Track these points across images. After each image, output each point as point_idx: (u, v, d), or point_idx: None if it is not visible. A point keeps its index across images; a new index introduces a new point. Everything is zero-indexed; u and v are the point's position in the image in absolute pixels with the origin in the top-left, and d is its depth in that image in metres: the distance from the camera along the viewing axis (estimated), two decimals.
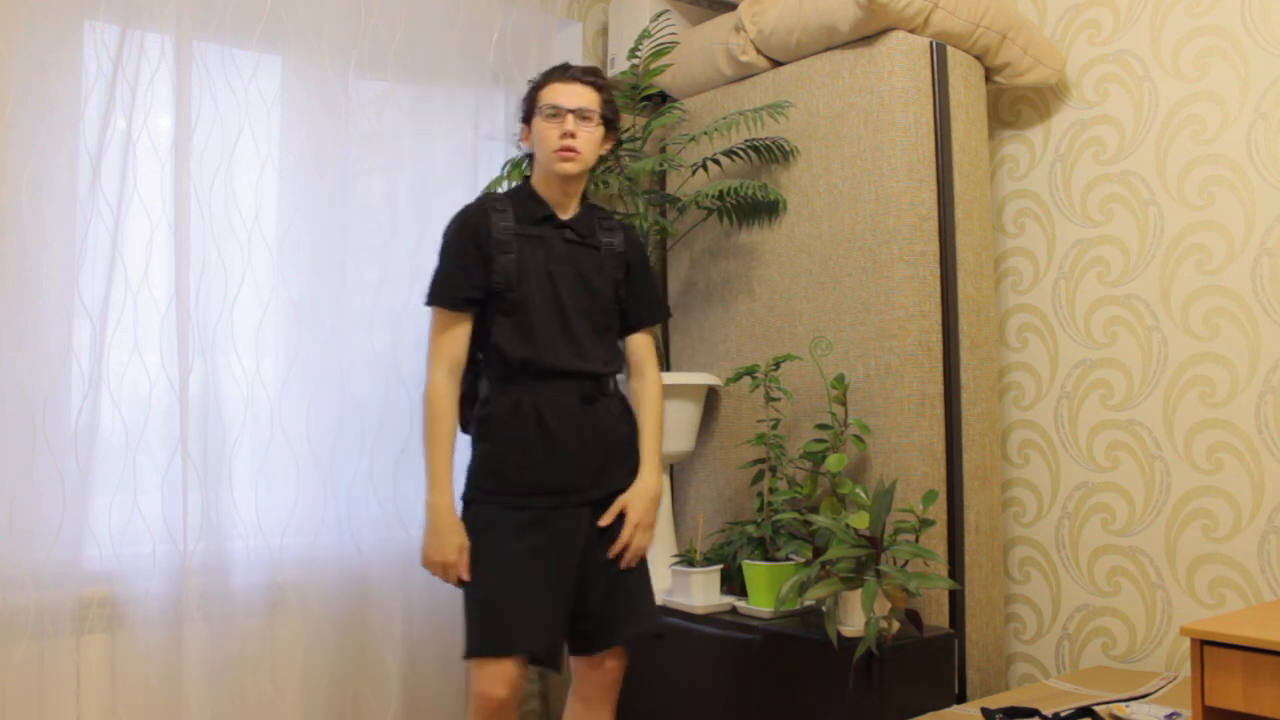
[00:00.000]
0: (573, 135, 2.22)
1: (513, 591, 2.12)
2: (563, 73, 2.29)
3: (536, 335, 2.20)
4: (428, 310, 2.27)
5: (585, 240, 2.29)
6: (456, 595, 2.25)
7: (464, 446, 2.26)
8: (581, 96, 2.26)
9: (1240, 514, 2.48)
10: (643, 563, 2.25)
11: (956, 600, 2.52)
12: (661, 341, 3.12)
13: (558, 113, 2.23)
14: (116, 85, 2.46)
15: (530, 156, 2.34)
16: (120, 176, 2.47)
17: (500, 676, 2.08)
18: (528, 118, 2.31)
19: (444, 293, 2.22)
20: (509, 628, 2.10)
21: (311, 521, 2.68)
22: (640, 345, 2.37)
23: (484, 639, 2.11)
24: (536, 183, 2.30)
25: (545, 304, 2.21)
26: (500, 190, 2.34)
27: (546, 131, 2.24)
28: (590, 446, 2.21)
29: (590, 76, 2.29)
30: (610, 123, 2.30)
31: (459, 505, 2.21)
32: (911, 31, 2.61)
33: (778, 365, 2.67)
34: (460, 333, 2.22)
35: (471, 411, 2.27)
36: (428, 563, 2.19)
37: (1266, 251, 2.46)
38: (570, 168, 2.24)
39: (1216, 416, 2.52)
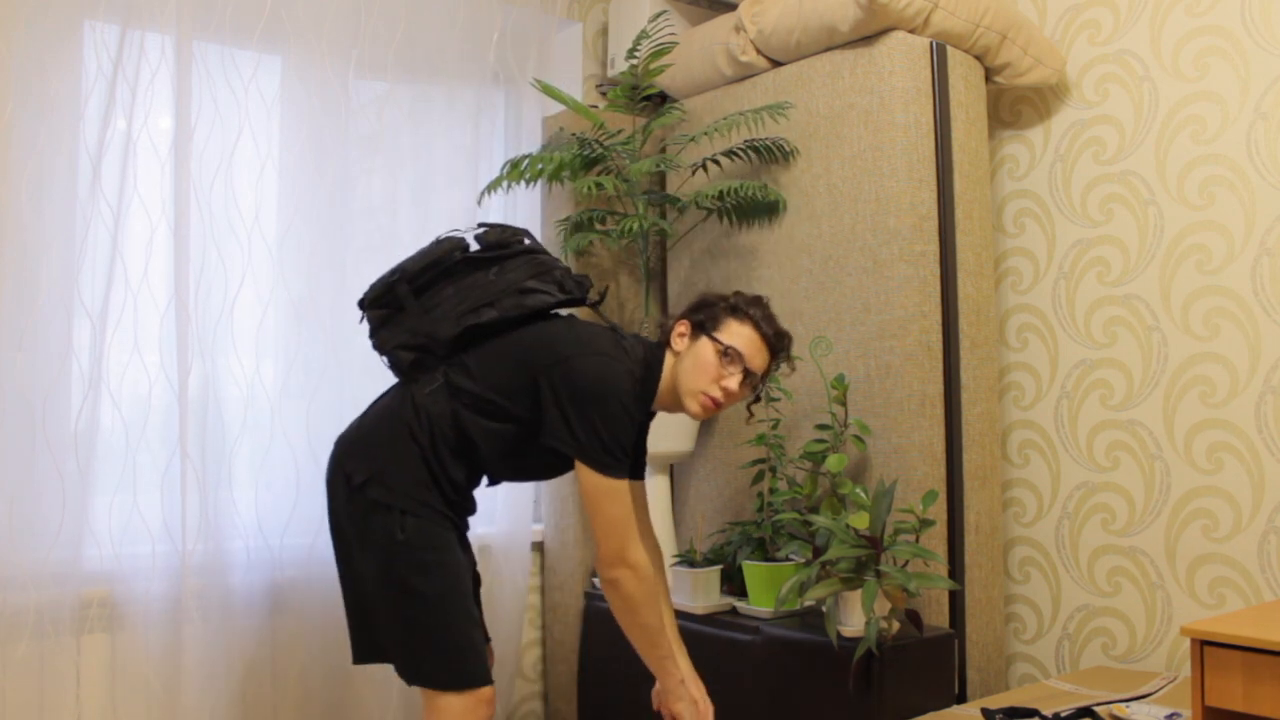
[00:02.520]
0: (729, 395, 2.09)
1: (472, 615, 2.06)
2: (767, 326, 2.13)
3: (516, 470, 2.15)
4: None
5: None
6: None
7: None
8: (764, 364, 2.14)
9: (1240, 514, 2.48)
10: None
11: (956, 600, 2.52)
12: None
13: (735, 361, 2.08)
14: (116, 85, 2.46)
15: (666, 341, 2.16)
16: (120, 176, 2.47)
17: (486, 702, 2.02)
18: (701, 325, 2.11)
19: (624, 464, 2.01)
20: (480, 653, 2.04)
21: (311, 521, 2.68)
22: (644, 495, 2.28)
23: (466, 667, 2.00)
24: (661, 382, 2.13)
25: (550, 463, 2.14)
26: (634, 354, 2.12)
27: (710, 368, 2.08)
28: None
29: (782, 345, 2.16)
30: (759, 388, 2.18)
31: (368, 508, 2.01)
32: (911, 32, 2.61)
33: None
34: None
35: (427, 424, 2.05)
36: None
37: (1266, 251, 2.46)
38: (701, 417, 2.14)
39: (1216, 416, 2.52)
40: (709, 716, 2.15)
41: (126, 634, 2.46)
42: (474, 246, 2.17)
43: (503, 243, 2.16)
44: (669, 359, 2.14)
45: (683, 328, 2.14)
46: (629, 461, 2.03)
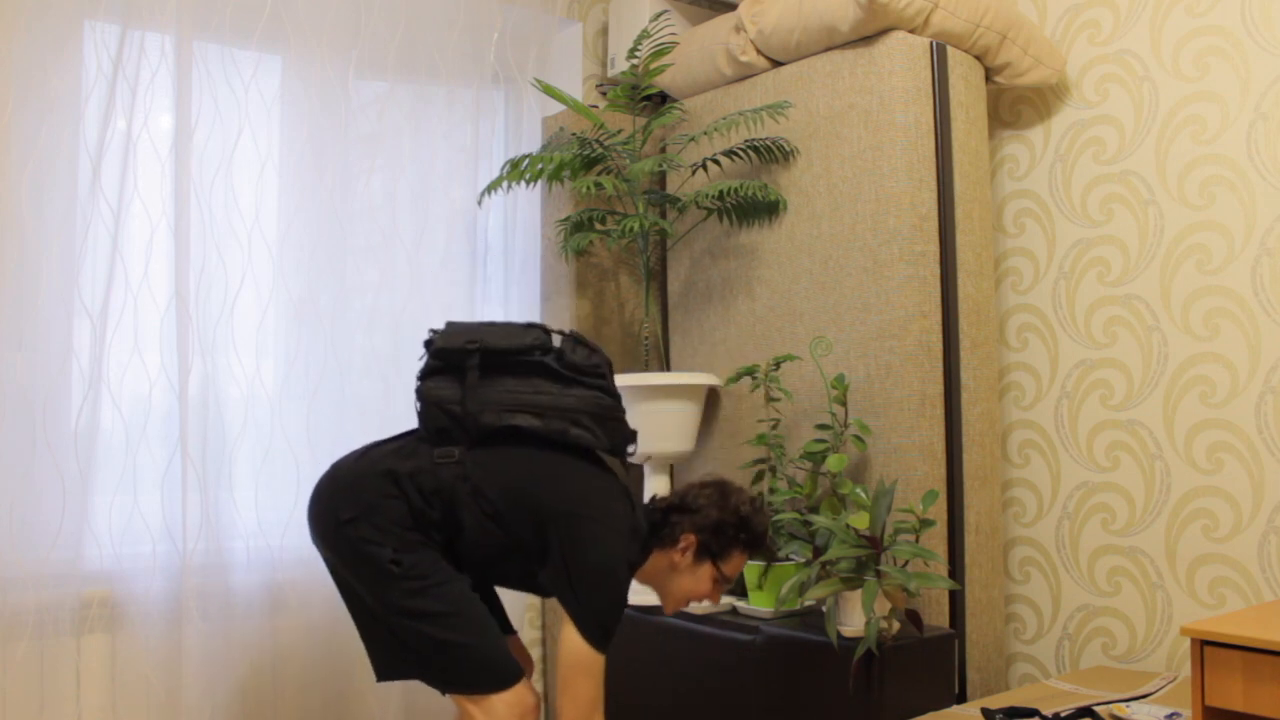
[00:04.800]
0: (705, 600, 2.20)
1: (487, 618, 2.05)
2: (761, 549, 2.21)
3: (480, 567, 2.11)
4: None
5: None
6: None
7: None
8: None
9: (1240, 514, 2.48)
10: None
11: (956, 600, 2.52)
12: (662, 341, 3.12)
13: (727, 585, 2.18)
14: (116, 85, 2.47)
15: (669, 539, 2.15)
16: (120, 176, 2.47)
17: (529, 695, 2.03)
18: (708, 548, 2.12)
19: (609, 644, 2.00)
20: (507, 652, 2.04)
21: None
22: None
23: (499, 669, 2.00)
24: (646, 564, 2.16)
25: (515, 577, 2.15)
26: (640, 532, 2.13)
27: (705, 589, 2.15)
28: None
29: None
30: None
31: (356, 542, 1.99)
32: (912, 32, 2.61)
33: (778, 365, 2.67)
34: None
35: (423, 489, 2.03)
36: None
37: (1266, 251, 2.46)
38: (670, 612, 2.22)
39: (1216, 416, 2.52)
40: None
41: (126, 634, 2.46)
42: (555, 344, 2.14)
43: (581, 369, 2.13)
44: (662, 557, 2.15)
45: (688, 542, 2.13)
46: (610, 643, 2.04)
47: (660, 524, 2.16)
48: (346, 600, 2.08)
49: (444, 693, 2.04)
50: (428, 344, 2.15)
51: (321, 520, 2.06)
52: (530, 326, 2.14)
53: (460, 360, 2.09)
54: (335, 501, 2.04)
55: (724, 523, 2.13)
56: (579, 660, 1.97)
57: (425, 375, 2.12)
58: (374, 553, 1.99)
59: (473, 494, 2.03)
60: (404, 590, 1.98)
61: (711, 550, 2.12)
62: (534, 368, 2.11)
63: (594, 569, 1.99)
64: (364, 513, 2.01)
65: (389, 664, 2.05)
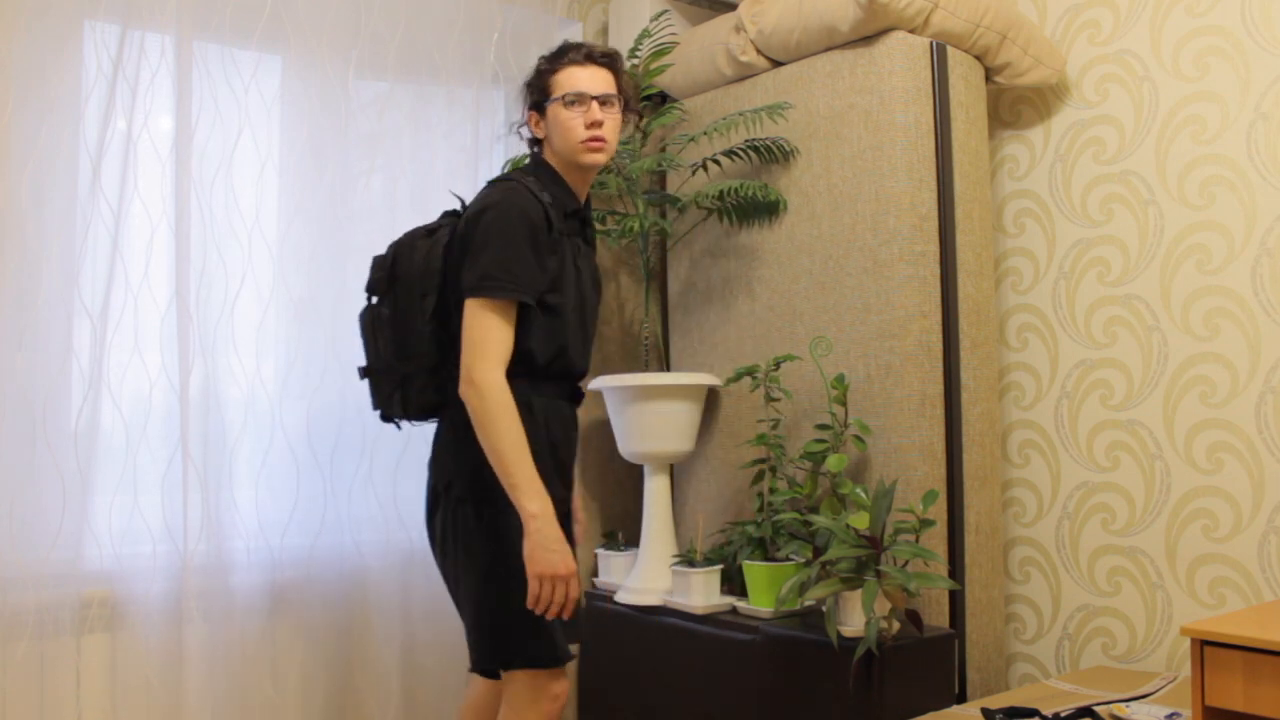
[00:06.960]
0: (600, 124, 2.14)
1: None
2: (579, 54, 2.17)
3: (568, 337, 2.14)
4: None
5: (586, 231, 2.27)
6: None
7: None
8: (605, 81, 2.17)
9: (1240, 514, 2.48)
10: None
11: (956, 600, 2.52)
12: (662, 341, 3.12)
13: (581, 100, 2.13)
14: (116, 85, 2.46)
15: (536, 143, 2.24)
16: (120, 176, 2.47)
17: (565, 682, 2.10)
18: (538, 105, 2.19)
19: (506, 284, 2.02)
20: (558, 635, 2.08)
21: (311, 521, 2.69)
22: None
23: (554, 647, 2.06)
24: (559, 170, 2.20)
25: (574, 308, 2.16)
26: (519, 175, 2.17)
27: (569, 120, 2.13)
28: (574, 450, 2.23)
29: (607, 59, 2.20)
30: (629, 104, 2.24)
31: (455, 505, 2.11)
32: (912, 32, 2.61)
33: (778, 365, 2.67)
34: (511, 332, 2.04)
35: (452, 408, 2.14)
36: (555, 576, 1.97)
37: (1266, 251, 2.46)
38: (601, 159, 2.16)
39: (1216, 416, 2.53)
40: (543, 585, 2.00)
41: (126, 634, 2.46)
42: (375, 298, 2.27)
43: (380, 268, 2.25)
44: (546, 151, 2.22)
45: (531, 119, 2.22)
46: (518, 286, 2.04)
47: (528, 140, 2.26)
48: (453, 593, 2.18)
49: (507, 667, 2.08)
50: (388, 417, 2.31)
51: (428, 501, 2.18)
52: (361, 315, 2.30)
53: (391, 375, 2.25)
54: (434, 479, 2.17)
55: (525, 82, 2.25)
56: (470, 310, 2.03)
57: (412, 414, 2.28)
58: (468, 511, 2.08)
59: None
60: (501, 549, 2.05)
61: (542, 104, 2.19)
62: (387, 314, 2.24)
63: (470, 236, 2.07)
64: (455, 475, 2.12)
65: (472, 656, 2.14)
